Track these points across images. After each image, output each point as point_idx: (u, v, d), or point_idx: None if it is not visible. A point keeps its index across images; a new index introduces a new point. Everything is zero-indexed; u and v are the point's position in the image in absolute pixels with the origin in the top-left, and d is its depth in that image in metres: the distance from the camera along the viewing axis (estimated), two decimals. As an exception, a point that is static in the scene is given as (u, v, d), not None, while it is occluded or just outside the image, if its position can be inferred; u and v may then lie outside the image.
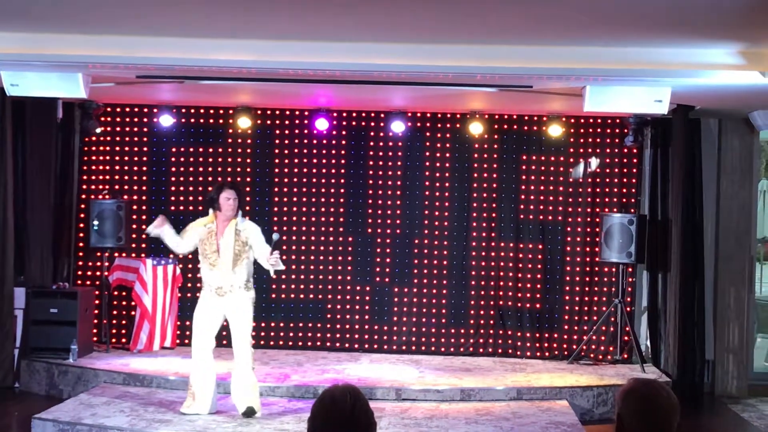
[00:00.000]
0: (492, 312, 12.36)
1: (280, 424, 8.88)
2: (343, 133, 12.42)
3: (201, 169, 12.43)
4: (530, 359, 12.10)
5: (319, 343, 12.38)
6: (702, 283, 11.84)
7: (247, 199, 12.40)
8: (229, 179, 11.27)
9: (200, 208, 12.32)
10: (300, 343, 12.36)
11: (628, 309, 11.96)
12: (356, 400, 3.46)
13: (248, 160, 12.45)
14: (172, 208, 12.42)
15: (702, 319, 11.82)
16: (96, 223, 11.74)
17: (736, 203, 12.05)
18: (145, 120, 12.42)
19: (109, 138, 12.44)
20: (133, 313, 11.99)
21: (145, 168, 12.48)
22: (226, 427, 8.71)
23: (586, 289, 12.26)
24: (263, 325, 12.33)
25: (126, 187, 12.42)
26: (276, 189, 12.42)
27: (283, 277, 12.36)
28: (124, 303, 12.31)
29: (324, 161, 12.42)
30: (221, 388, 10.18)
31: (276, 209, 12.41)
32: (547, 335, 12.29)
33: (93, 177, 12.44)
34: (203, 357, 8.94)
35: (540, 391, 10.37)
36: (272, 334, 12.38)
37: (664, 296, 11.71)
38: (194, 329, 9.00)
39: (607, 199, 12.24)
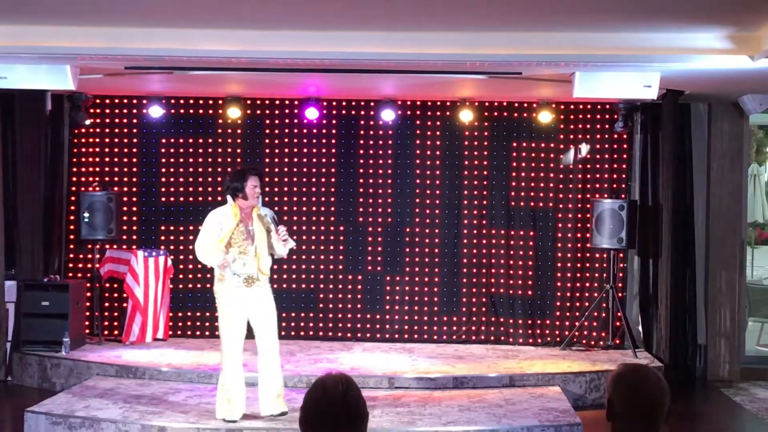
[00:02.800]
0: (484, 299, 12.37)
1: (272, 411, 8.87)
2: (333, 122, 12.41)
3: (191, 159, 12.41)
4: (522, 346, 12.13)
5: (311, 333, 12.39)
6: (693, 268, 11.87)
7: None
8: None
9: (191, 199, 12.36)
10: (292, 333, 12.35)
11: (620, 295, 11.99)
12: (348, 388, 3.46)
13: (238, 150, 12.44)
14: (163, 199, 12.42)
15: (693, 303, 11.85)
16: (86, 215, 11.73)
17: (727, 187, 12.07)
18: (135, 111, 12.40)
19: (98, 130, 12.41)
20: (125, 305, 11.98)
21: (135, 159, 12.46)
22: (219, 418, 8.71)
23: (578, 275, 12.28)
24: (256, 315, 12.33)
25: (116, 178, 12.39)
26: (266, 179, 12.37)
27: (275, 267, 12.32)
28: (115, 295, 12.30)
29: (314, 150, 12.41)
30: (214, 379, 10.20)
31: (267, 199, 12.32)
32: (539, 322, 12.31)
33: (83, 169, 12.41)
34: (238, 357, 8.45)
35: (532, 378, 10.39)
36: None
37: (655, 281, 11.74)
38: (226, 328, 8.41)
39: (597, 185, 12.25)
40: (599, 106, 12.16)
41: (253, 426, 8.48)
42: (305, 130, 12.37)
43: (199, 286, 12.40)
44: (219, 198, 12.26)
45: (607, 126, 12.17)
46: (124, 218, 12.29)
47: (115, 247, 12.15)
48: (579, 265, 12.27)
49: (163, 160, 12.43)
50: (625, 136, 12.17)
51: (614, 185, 12.21)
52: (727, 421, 10.37)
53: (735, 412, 10.61)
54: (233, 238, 8.35)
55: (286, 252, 8.63)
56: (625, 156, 12.24)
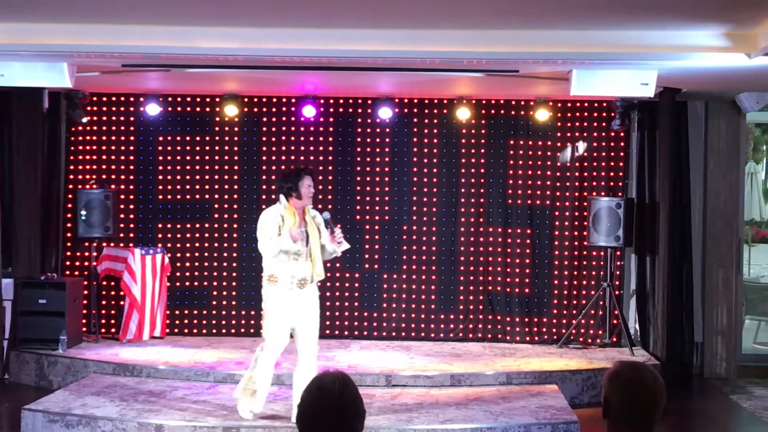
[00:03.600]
0: (481, 297, 12.38)
1: (270, 411, 8.88)
2: (331, 120, 12.41)
3: (188, 157, 12.41)
4: (519, 344, 12.14)
5: (308, 331, 12.36)
6: (690, 266, 11.89)
7: (235, 187, 12.41)
8: (303, 166, 11.08)
9: (188, 196, 12.36)
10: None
11: (617, 292, 11.99)
12: (345, 387, 3.46)
13: (236, 148, 12.43)
14: (160, 196, 12.42)
15: (690, 301, 11.87)
16: (84, 213, 11.72)
17: (724, 185, 12.08)
18: (132, 109, 12.39)
19: (95, 127, 12.40)
20: (122, 302, 11.97)
21: (132, 157, 12.45)
22: (217, 416, 8.72)
23: (575, 273, 12.28)
24: (252, 313, 12.33)
25: (113, 176, 12.39)
26: (264, 177, 12.40)
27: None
28: (112, 293, 12.30)
29: (312, 148, 12.41)
30: (211, 377, 10.21)
31: (264, 197, 12.37)
32: (536, 320, 12.32)
33: (80, 167, 12.40)
34: (275, 359, 8.44)
35: (529, 376, 10.40)
36: (262, 322, 12.36)
37: (652, 279, 11.74)
38: (272, 330, 8.27)
39: (594, 183, 12.26)
40: (596, 104, 12.17)
41: (252, 425, 8.48)
42: (302, 128, 12.37)
43: (196, 284, 12.41)
44: (216, 195, 12.33)
45: (604, 124, 12.18)
46: (122, 216, 12.29)
47: (112, 244, 12.14)
48: (576, 263, 12.28)
49: (161, 158, 12.43)
50: (622, 134, 12.18)
51: (611, 183, 12.21)
52: (724, 419, 10.38)
53: (731, 409, 10.63)
54: (286, 240, 8.13)
55: (339, 252, 8.49)
56: (622, 154, 12.25)
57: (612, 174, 12.24)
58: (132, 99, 12.35)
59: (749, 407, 10.51)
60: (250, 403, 8.46)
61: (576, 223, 12.25)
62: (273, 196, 12.13)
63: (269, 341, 8.29)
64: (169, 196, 12.42)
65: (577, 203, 12.25)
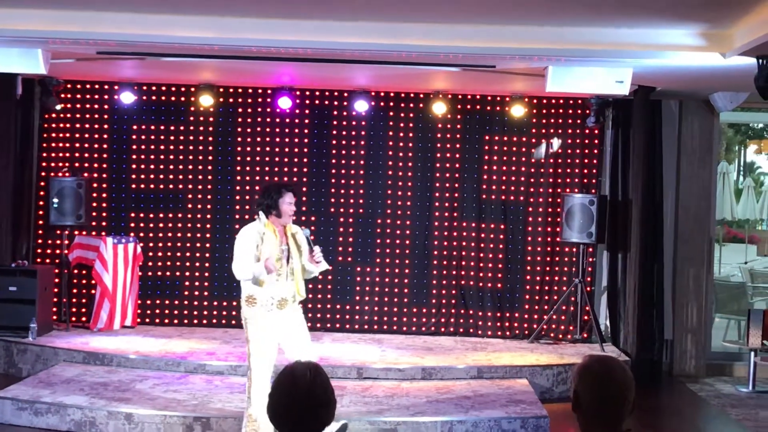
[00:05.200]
0: (453, 291, 12.41)
1: (241, 402, 8.85)
2: (306, 111, 12.39)
3: (162, 147, 12.37)
4: (491, 338, 12.17)
5: (280, 322, 12.35)
6: (661, 264, 11.95)
7: (209, 177, 12.38)
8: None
9: (161, 186, 12.32)
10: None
11: (588, 289, 12.05)
12: (316, 376, 3.47)
13: (210, 139, 12.40)
14: (133, 186, 12.37)
15: (661, 299, 11.94)
16: (56, 200, 11.65)
17: (696, 185, 12.15)
18: (106, 97, 12.33)
19: (69, 115, 12.33)
20: (93, 291, 11.92)
21: (105, 145, 12.39)
22: (187, 406, 8.70)
23: (547, 269, 12.34)
24: (224, 304, 12.33)
25: (86, 164, 12.33)
26: (238, 168, 12.37)
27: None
28: (84, 281, 12.24)
29: (287, 140, 12.39)
30: (182, 367, 10.19)
31: (238, 188, 12.37)
32: (508, 315, 12.36)
33: (53, 154, 12.33)
34: (267, 383, 7.52)
35: (500, 370, 10.43)
36: (234, 313, 12.34)
37: (623, 276, 11.81)
38: (258, 355, 7.62)
39: (568, 180, 12.31)
40: (571, 101, 12.22)
41: (223, 415, 8.47)
42: (278, 119, 12.35)
43: (168, 273, 12.37)
44: (190, 185, 12.29)
45: (578, 121, 12.23)
46: (94, 204, 12.23)
47: (84, 233, 12.08)
48: (548, 258, 12.33)
49: (134, 147, 12.38)
50: (596, 132, 12.23)
51: (585, 180, 12.27)
52: (692, 416, 10.45)
53: (700, 406, 10.70)
54: (265, 258, 7.62)
55: (317, 273, 8.06)
56: (596, 151, 12.31)
57: (586, 171, 12.30)
58: (106, 87, 12.29)
59: (717, 404, 10.60)
60: None
61: (549, 219, 12.30)
62: (247, 187, 12.22)
63: (255, 367, 7.62)
64: (143, 185, 12.38)
65: (550, 199, 12.30)
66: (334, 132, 12.41)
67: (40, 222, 12.21)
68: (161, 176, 12.37)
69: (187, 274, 12.40)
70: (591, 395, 3.61)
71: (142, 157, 12.38)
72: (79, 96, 12.35)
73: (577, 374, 3.67)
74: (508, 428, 8.63)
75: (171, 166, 12.38)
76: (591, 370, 3.65)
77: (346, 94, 12.24)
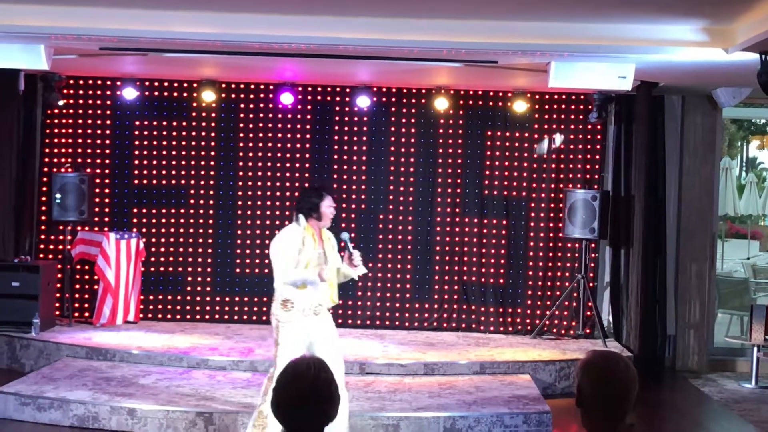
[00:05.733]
0: (456, 287, 12.41)
1: (243, 397, 8.88)
2: (308, 107, 12.39)
3: (165, 142, 12.37)
4: (493, 334, 12.18)
5: (283, 318, 12.34)
6: (664, 259, 11.95)
7: (211, 173, 12.38)
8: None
9: (164, 182, 12.31)
10: (264, 318, 12.29)
11: (591, 284, 12.05)
12: (320, 371, 3.47)
13: (212, 134, 12.40)
14: (136, 181, 12.37)
15: (663, 294, 11.94)
16: (58, 196, 11.66)
17: (699, 180, 12.15)
18: (109, 93, 12.33)
19: (71, 111, 12.34)
20: (95, 287, 11.93)
21: (108, 141, 12.40)
22: (189, 401, 8.71)
23: (550, 264, 12.34)
24: (227, 299, 12.35)
25: (89, 160, 12.33)
26: (240, 163, 12.38)
27: (247, 251, 12.35)
28: (86, 277, 12.25)
29: (289, 136, 12.39)
30: (184, 362, 10.19)
31: (240, 183, 12.37)
32: (510, 310, 12.37)
33: (55, 150, 12.34)
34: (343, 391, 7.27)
35: (503, 366, 10.43)
36: (236, 308, 12.38)
37: (626, 272, 11.80)
38: (287, 360, 7.41)
39: (570, 175, 12.31)
40: (574, 97, 12.21)
41: (226, 410, 8.48)
42: (280, 115, 12.34)
43: (170, 269, 12.38)
44: (192, 181, 12.29)
45: (581, 117, 12.22)
46: (97, 200, 12.23)
47: (86, 228, 12.09)
48: (551, 254, 12.33)
49: (137, 143, 12.38)
50: (599, 127, 12.23)
51: (587, 176, 12.26)
52: (695, 412, 10.45)
53: (702, 402, 10.70)
54: (308, 264, 7.48)
55: (356, 277, 7.86)
56: (598, 147, 12.30)
57: (588, 166, 12.30)
58: (109, 83, 12.29)
59: (720, 400, 10.60)
60: None
61: (551, 214, 12.29)
62: (249, 183, 12.20)
63: (281, 370, 7.53)
64: (145, 181, 12.38)
65: (553, 195, 12.30)
66: (336, 128, 12.40)
67: (43, 217, 12.21)
68: (164, 172, 12.38)
69: (190, 269, 12.40)
70: (594, 391, 3.61)
71: (145, 152, 12.38)
72: (81, 92, 12.35)
73: (581, 370, 3.67)
74: (510, 424, 8.63)
75: (173, 162, 12.38)
76: (594, 366, 3.65)
77: (348, 90, 12.23)
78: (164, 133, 12.37)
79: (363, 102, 11.98)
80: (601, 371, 3.62)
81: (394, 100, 12.39)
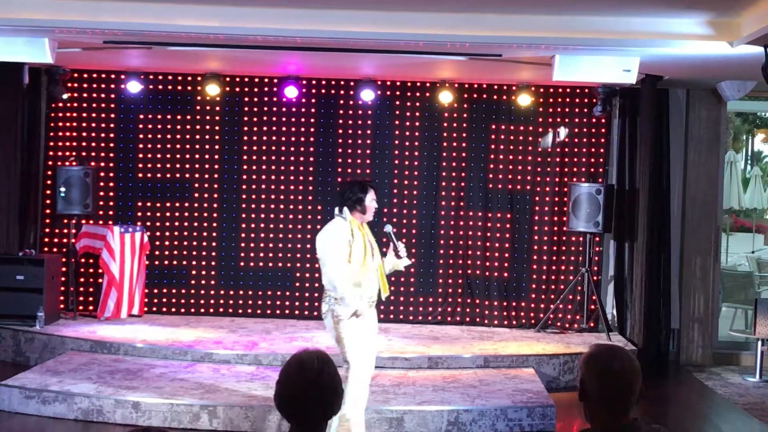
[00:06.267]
0: (460, 281, 12.40)
1: (248, 390, 8.89)
2: (313, 101, 12.38)
3: (169, 136, 12.37)
4: (497, 328, 12.17)
5: (287, 311, 12.39)
6: (668, 253, 11.94)
7: (216, 166, 12.39)
8: (367, 179, 10.52)
9: (168, 175, 12.32)
10: (268, 311, 12.37)
11: (595, 278, 12.05)
12: (324, 365, 3.47)
13: (216, 128, 12.40)
14: (140, 175, 12.38)
15: (668, 288, 11.93)
16: (63, 189, 11.66)
17: (703, 173, 12.13)
18: (113, 86, 12.33)
19: (76, 104, 12.35)
20: (100, 280, 11.94)
21: (112, 135, 12.41)
22: (194, 394, 8.72)
23: (554, 258, 12.33)
24: (231, 293, 12.36)
25: (93, 153, 12.34)
26: (245, 157, 12.38)
27: (252, 245, 12.36)
28: (91, 270, 12.26)
29: (293, 129, 12.39)
30: (189, 356, 10.21)
31: (245, 177, 12.38)
32: (514, 304, 12.36)
33: (60, 143, 12.35)
34: (367, 380, 7.70)
35: (507, 359, 10.43)
36: (240, 302, 12.39)
37: (630, 265, 11.79)
38: (357, 354, 7.47)
39: (575, 169, 12.30)
40: (578, 90, 12.19)
41: (229, 403, 8.49)
42: (284, 109, 12.34)
43: (175, 262, 12.39)
44: (196, 174, 12.29)
45: (585, 110, 12.21)
46: (101, 193, 12.24)
47: (91, 222, 12.10)
48: (555, 248, 12.33)
49: (141, 136, 12.39)
50: (603, 121, 12.21)
51: (592, 169, 12.25)
52: (699, 405, 10.45)
53: (707, 396, 10.70)
54: (358, 255, 7.49)
55: (402, 267, 7.97)
56: (603, 140, 12.29)
57: (593, 160, 12.28)
58: (113, 76, 12.29)
59: (724, 394, 10.59)
60: None
61: (556, 208, 12.28)
62: (253, 176, 12.20)
63: (355, 366, 7.46)
64: (149, 174, 12.39)
65: (557, 189, 12.29)
66: (341, 121, 12.40)
67: (48, 211, 12.22)
68: (168, 165, 12.39)
69: (194, 263, 12.41)
70: (598, 384, 3.61)
71: (149, 146, 12.39)
72: (85, 85, 12.35)
73: (584, 363, 3.67)
74: (514, 417, 8.63)
75: (177, 155, 12.39)
76: (598, 360, 3.65)
77: (352, 83, 12.23)
78: (168, 126, 12.38)
79: (367, 95, 11.97)
80: (605, 365, 3.62)
81: (398, 93, 12.38)
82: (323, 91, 12.39)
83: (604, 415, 3.63)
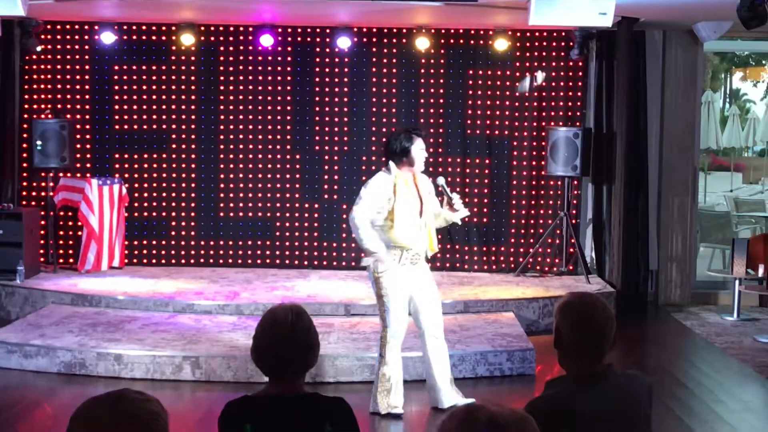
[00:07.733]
0: (440, 226, 12.42)
1: (230, 340, 8.94)
2: (289, 49, 12.31)
3: (144, 87, 12.29)
4: (477, 272, 12.24)
5: (268, 261, 12.41)
6: (646, 194, 12.00)
7: (192, 117, 12.33)
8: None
9: (145, 126, 12.27)
10: (249, 261, 12.39)
11: (574, 221, 12.11)
12: (298, 319, 3.50)
13: (192, 78, 12.32)
14: (117, 126, 12.32)
15: (646, 229, 12.00)
16: (39, 143, 11.60)
17: (681, 115, 12.15)
18: (87, 38, 12.21)
19: (50, 56, 12.23)
20: (79, 233, 11.92)
21: (87, 87, 12.31)
22: (176, 346, 8.75)
23: (533, 202, 12.38)
24: (212, 243, 12.37)
25: (69, 106, 12.26)
26: (222, 107, 12.32)
27: (231, 195, 12.35)
28: (70, 223, 12.24)
29: (269, 78, 12.32)
30: (170, 307, 10.22)
31: (222, 127, 12.33)
32: (494, 249, 12.43)
33: (35, 96, 12.25)
34: (401, 340, 7.49)
35: (486, 304, 10.51)
36: (221, 252, 12.40)
37: (608, 208, 11.87)
38: (396, 312, 7.28)
39: (552, 113, 12.30)
40: (555, 34, 12.15)
41: (211, 354, 8.53)
42: (260, 58, 12.26)
43: (154, 214, 12.38)
44: (173, 125, 12.24)
45: (562, 54, 12.18)
46: (78, 146, 12.18)
47: (69, 175, 12.05)
48: (534, 192, 12.37)
49: (116, 88, 12.30)
50: (580, 64, 12.20)
51: (569, 113, 12.25)
52: (677, 345, 10.57)
53: (685, 335, 10.82)
54: (402, 210, 7.19)
55: (458, 220, 7.65)
56: (580, 84, 12.28)
57: (570, 104, 12.28)
58: (87, 27, 12.17)
59: (702, 333, 10.71)
60: (388, 399, 7.44)
61: (534, 153, 12.30)
62: (231, 126, 12.16)
63: (392, 324, 7.31)
64: (126, 126, 12.33)
65: (535, 133, 12.29)
66: (317, 69, 12.33)
67: (25, 164, 12.15)
68: (144, 116, 12.32)
69: (173, 214, 12.40)
70: (572, 332, 3.67)
71: (125, 97, 12.30)
72: (59, 37, 12.23)
73: (558, 312, 3.73)
74: (494, 361, 8.73)
75: (154, 107, 12.32)
76: (572, 307, 3.70)
77: (328, 31, 12.15)
78: (144, 77, 12.29)
79: (344, 43, 11.91)
80: (579, 312, 3.67)
81: (374, 40, 12.32)
82: (299, 39, 12.31)
83: (578, 362, 3.69)
